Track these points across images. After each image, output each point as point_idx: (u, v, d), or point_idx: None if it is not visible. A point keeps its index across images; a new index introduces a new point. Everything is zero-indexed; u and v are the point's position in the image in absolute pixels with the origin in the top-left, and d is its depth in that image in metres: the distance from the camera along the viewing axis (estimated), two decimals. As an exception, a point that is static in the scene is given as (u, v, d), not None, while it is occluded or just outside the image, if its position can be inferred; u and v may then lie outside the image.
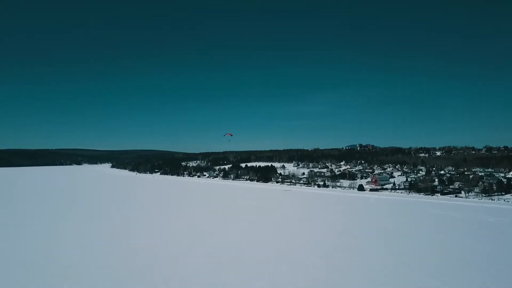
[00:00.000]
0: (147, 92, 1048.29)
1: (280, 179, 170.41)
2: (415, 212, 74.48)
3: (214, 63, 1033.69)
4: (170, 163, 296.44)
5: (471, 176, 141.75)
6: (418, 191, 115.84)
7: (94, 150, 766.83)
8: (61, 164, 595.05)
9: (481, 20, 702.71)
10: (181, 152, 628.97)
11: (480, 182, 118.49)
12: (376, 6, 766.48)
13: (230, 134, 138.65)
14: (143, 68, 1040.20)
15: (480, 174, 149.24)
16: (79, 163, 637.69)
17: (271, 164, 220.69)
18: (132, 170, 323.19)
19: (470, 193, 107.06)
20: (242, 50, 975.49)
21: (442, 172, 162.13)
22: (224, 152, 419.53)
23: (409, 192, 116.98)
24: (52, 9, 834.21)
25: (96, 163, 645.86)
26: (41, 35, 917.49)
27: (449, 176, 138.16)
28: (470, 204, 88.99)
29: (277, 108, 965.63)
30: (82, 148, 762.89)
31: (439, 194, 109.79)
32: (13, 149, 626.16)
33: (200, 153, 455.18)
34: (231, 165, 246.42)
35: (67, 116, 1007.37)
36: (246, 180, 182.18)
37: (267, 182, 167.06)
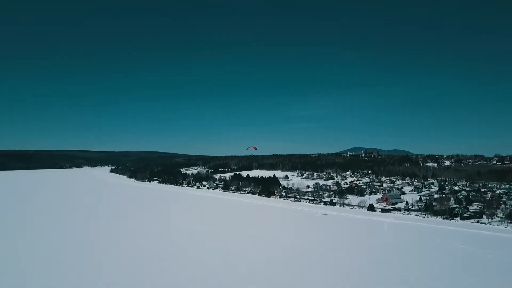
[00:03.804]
0: (149, 93, 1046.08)
1: (283, 193, 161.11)
2: (439, 248, 64.97)
3: (215, 64, 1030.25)
4: (169, 171, 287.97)
5: (489, 194, 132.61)
6: (435, 213, 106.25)
7: (95, 151, 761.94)
8: (60, 167, 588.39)
9: (484, 23, 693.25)
10: (182, 155, 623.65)
11: (502, 205, 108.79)
12: (379, 7, 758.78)
13: (254, 148, 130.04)
14: (145, 68, 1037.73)
15: (497, 191, 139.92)
16: (78, 166, 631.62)
17: (274, 174, 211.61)
18: (130, 177, 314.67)
19: (493, 218, 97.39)
20: (245, 52, 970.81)
21: (456, 188, 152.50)
22: (225, 158, 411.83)
23: (425, 214, 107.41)
24: (54, 11, 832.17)
25: (96, 166, 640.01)
26: (40, 34, 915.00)
27: (466, 195, 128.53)
28: (500, 235, 79.46)
29: (279, 110, 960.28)
30: (83, 149, 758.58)
31: (458, 219, 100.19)
32: (12, 150, 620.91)
33: (201, 158, 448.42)
34: (232, 174, 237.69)
35: (68, 117, 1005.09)
36: (248, 193, 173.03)
37: (270, 196, 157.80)
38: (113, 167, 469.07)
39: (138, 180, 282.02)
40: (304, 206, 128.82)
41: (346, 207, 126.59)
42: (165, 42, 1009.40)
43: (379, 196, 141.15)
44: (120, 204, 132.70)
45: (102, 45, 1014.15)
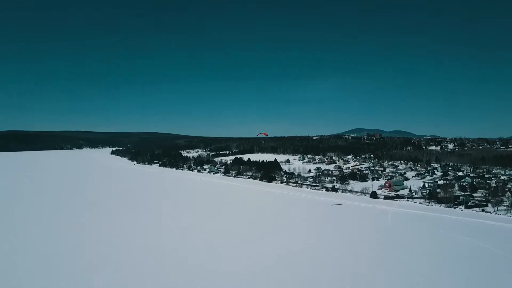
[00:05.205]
0: (151, 74, 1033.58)
1: (285, 178, 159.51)
2: (445, 242, 63.21)
3: (217, 45, 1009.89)
4: (170, 154, 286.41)
5: (493, 181, 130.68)
6: (439, 201, 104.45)
7: (96, 132, 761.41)
8: (61, 148, 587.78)
9: (486, 5, 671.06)
10: (183, 136, 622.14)
11: (508, 193, 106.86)
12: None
13: (265, 134, 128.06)
14: (145, 49, 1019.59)
15: (502, 177, 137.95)
16: (79, 147, 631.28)
17: (275, 158, 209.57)
18: (131, 159, 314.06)
19: (498, 207, 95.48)
20: (246, 35, 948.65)
21: (460, 173, 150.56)
22: (226, 140, 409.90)
23: (428, 202, 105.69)
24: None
25: (97, 147, 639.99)
26: (40, 13, 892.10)
27: (470, 182, 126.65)
28: (508, 226, 77.84)
29: (281, 92, 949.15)
30: (84, 130, 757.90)
31: (463, 207, 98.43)
32: (13, 130, 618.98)
33: (202, 140, 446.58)
34: (233, 157, 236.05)
35: (69, 97, 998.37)
36: (249, 177, 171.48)
37: (271, 181, 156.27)
38: (114, 149, 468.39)
39: (138, 163, 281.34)
40: (306, 193, 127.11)
41: (349, 193, 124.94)
42: (167, 26, 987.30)
43: (381, 182, 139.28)
44: (119, 192, 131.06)
45: (105, 26, 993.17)
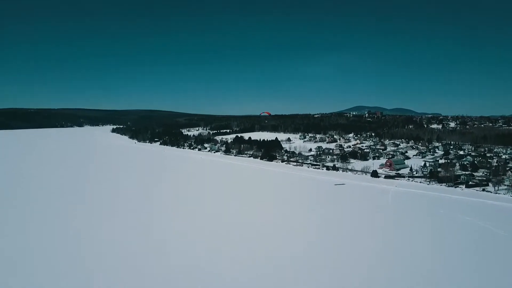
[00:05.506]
0: (150, 51, 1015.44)
1: (285, 157, 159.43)
2: (446, 222, 63.66)
3: (217, 25, 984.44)
4: (170, 132, 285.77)
5: (495, 159, 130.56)
6: (439, 180, 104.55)
7: (96, 110, 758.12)
8: (62, 126, 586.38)
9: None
10: (183, 114, 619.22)
11: (509, 172, 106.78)
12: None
13: (268, 113, 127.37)
14: (146, 27, 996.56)
15: (503, 156, 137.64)
16: (80, 125, 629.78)
17: (276, 137, 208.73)
18: (131, 137, 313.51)
19: (499, 186, 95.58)
20: (246, 12, 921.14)
21: (461, 152, 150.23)
22: (227, 118, 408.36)
23: (429, 182, 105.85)
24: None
25: (98, 125, 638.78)
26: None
27: (472, 161, 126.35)
28: (509, 206, 78.11)
29: (282, 70, 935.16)
30: (84, 108, 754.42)
31: (463, 186, 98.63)
32: (13, 108, 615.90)
33: (202, 118, 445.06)
34: (233, 136, 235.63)
35: (70, 75, 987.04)
36: (250, 156, 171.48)
37: (272, 160, 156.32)
38: (114, 127, 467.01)
39: (139, 141, 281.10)
40: (307, 172, 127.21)
41: (349, 172, 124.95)
42: (166, 7, 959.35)
43: (382, 160, 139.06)
44: (120, 173, 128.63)
45: (107, 8, 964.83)
